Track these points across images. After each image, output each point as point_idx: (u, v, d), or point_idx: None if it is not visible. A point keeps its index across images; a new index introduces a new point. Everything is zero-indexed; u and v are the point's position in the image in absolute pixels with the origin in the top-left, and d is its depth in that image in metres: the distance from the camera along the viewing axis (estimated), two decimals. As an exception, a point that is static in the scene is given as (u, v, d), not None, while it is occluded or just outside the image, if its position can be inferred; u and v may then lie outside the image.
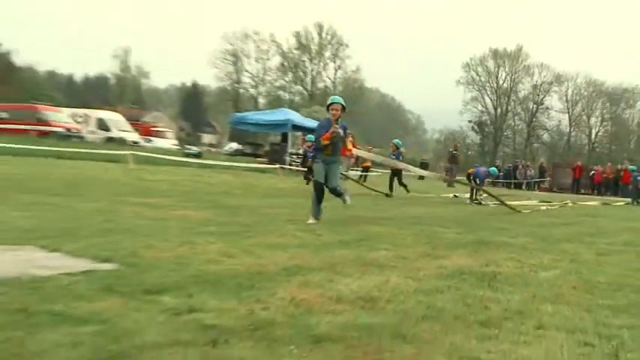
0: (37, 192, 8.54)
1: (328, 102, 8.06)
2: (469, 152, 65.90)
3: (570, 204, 17.63)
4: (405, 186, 15.98)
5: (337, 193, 7.94)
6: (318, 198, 7.75)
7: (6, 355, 2.13)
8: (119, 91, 74.34)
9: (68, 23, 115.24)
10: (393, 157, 15.97)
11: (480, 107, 70.30)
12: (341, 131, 7.78)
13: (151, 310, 2.87)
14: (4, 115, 29.81)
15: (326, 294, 3.58)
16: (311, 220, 7.54)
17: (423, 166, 31.97)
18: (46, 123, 29.91)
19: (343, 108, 7.92)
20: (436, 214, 10.81)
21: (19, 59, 59.32)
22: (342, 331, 2.81)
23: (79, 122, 33.98)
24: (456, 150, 29.92)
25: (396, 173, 15.94)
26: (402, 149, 16.96)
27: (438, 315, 3.27)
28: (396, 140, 17.01)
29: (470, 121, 69.19)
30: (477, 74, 70.38)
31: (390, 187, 15.55)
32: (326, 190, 7.85)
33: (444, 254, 5.59)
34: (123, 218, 6.60)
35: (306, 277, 4.02)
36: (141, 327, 2.59)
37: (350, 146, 8.52)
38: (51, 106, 34.76)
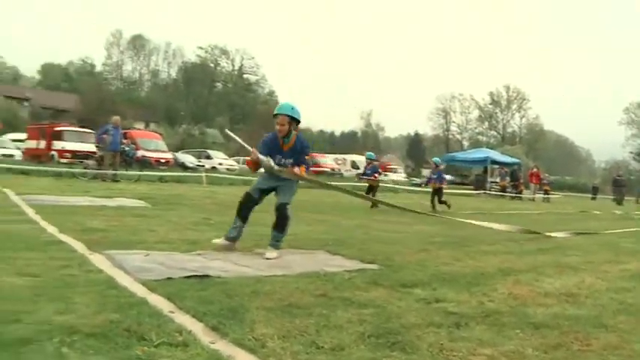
0: (317, 212, 11.03)
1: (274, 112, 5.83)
2: (631, 177, 70.71)
3: None
4: (445, 202, 15.11)
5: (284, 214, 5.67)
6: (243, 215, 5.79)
7: (319, 325, 3.17)
8: (363, 141, 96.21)
9: (330, 95, 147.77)
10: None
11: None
12: (266, 160, 5.61)
13: (408, 299, 3.89)
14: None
15: (535, 290, 4.44)
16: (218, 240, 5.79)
17: (594, 190, 40.35)
18: (319, 165, 40.71)
19: (293, 119, 5.68)
20: (610, 227, 12.08)
21: (303, 123, 75.92)
22: (554, 319, 3.54)
23: (339, 164, 45.16)
24: (619, 176, 36.05)
25: (437, 191, 15.37)
26: (441, 166, 16.40)
27: (630, 309, 3.88)
28: (435, 158, 16.94)
29: (631, 152, 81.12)
30: (636, 116, 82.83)
31: (433, 205, 15.16)
32: None
33: (626, 260, 6.65)
34: (376, 232, 8.31)
35: (517, 277, 4.98)
36: (403, 311, 3.55)
37: (301, 171, 5.78)
38: (322, 153, 47.73)
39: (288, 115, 5.64)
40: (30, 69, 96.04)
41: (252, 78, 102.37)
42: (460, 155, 40.39)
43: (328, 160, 44.30)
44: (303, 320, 3.18)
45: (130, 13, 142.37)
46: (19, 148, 32.80)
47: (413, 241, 7.43)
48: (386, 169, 52.04)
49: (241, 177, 25.52)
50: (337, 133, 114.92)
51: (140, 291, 3.65)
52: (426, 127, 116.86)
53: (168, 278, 4.08)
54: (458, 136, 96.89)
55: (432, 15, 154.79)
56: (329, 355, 2.68)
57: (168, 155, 33.56)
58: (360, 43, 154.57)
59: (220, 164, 38.89)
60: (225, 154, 49.54)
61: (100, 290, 3.59)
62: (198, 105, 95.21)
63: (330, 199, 16.60)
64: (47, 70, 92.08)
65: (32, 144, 31.73)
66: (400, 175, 53.58)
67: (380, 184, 16.54)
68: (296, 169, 5.76)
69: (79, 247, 5.29)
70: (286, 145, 5.73)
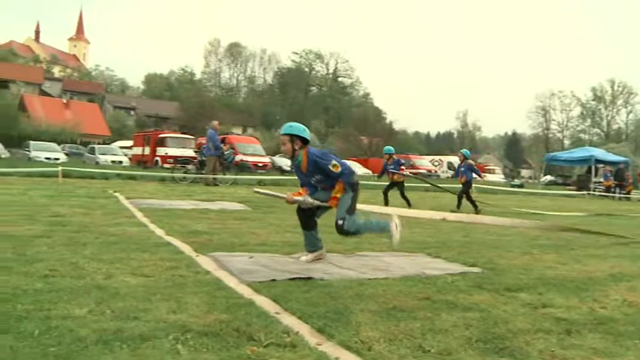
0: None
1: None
2: None
3: None
4: (473, 202, 13.50)
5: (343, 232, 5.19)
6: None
7: (425, 329, 3.13)
8: (460, 142, 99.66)
9: (425, 96, 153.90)
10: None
11: None
12: (302, 199, 5.26)
13: (514, 304, 3.78)
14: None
15: (653, 298, 4.10)
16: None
17: None
18: (415, 167, 40.93)
19: (297, 138, 5.24)
20: None
21: (398, 125, 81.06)
22: (677, 330, 3.32)
23: (435, 165, 45.42)
24: None
25: (465, 190, 13.76)
26: (469, 161, 14.43)
27: None
28: (464, 150, 15.08)
29: None
30: None
31: (459, 204, 13.64)
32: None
33: None
34: (477, 234, 8.12)
35: (631, 283, 4.68)
36: (509, 316, 3.46)
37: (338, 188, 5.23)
38: (417, 154, 48.93)
39: (288, 134, 5.27)
40: (135, 79, 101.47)
41: (347, 81, 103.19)
42: (563, 155, 38.90)
43: (424, 162, 43.93)
44: (408, 323, 3.18)
45: (226, 21, 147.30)
46: (126, 155, 34.66)
47: (515, 243, 7.21)
48: (484, 170, 51.59)
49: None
50: (433, 134, 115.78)
51: (246, 292, 3.78)
52: (525, 126, 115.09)
53: (273, 280, 4.19)
54: (558, 135, 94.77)
55: (529, 10, 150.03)
56: (437, 359, 2.66)
57: (266, 159, 34.38)
58: (456, 42, 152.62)
59: (316, 167, 39.34)
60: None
61: (209, 291, 3.75)
62: (294, 109, 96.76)
63: (432, 201, 16.42)
64: (150, 79, 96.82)
65: (138, 150, 33.44)
66: (498, 176, 52.46)
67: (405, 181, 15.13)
68: (336, 189, 5.24)
69: (185, 249, 5.53)
70: (302, 165, 5.31)
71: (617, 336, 3.20)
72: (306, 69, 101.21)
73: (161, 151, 30.27)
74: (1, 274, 4.01)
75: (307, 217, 5.34)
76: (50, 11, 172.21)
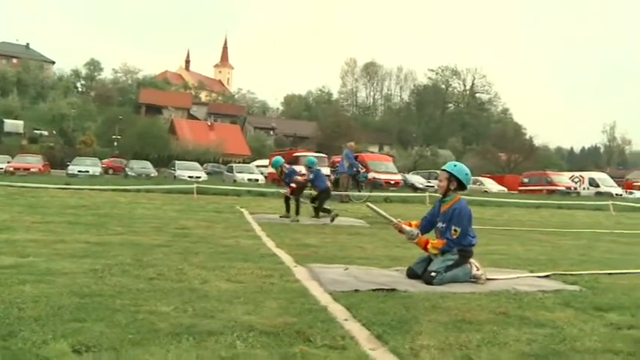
0: (537, 232, 10.82)
1: None
2: None
3: None
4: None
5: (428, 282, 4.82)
6: None
7: (483, 341, 3.08)
8: (607, 157, 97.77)
9: (567, 109, 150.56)
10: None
11: None
12: (409, 230, 5.25)
13: (595, 323, 3.60)
14: (525, 180, 41.80)
15: None
16: None
17: None
18: (553, 184, 39.22)
19: (455, 180, 5.22)
20: None
21: (538, 141, 78.61)
22: None
23: (575, 182, 42.17)
24: None
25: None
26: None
27: None
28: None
29: None
30: None
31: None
32: None
33: None
34: (598, 252, 7.71)
35: None
36: (583, 335, 3.31)
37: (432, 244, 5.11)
38: (556, 171, 46.92)
39: (448, 172, 5.21)
40: (275, 100, 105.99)
41: (485, 97, 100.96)
42: None
43: (563, 179, 41.58)
44: (469, 335, 3.17)
45: (362, 41, 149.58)
46: (262, 173, 36.22)
47: (638, 262, 6.70)
48: (631, 187, 48.52)
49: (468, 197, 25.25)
50: (577, 149, 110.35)
51: (325, 300, 3.95)
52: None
53: (356, 290, 4.32)
54: None
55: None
56: None
57: (398, 177, 34.41)
58: (599, 46, 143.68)
59: (451, 184, 38.67)
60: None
61: (290, 297, 3.97)
62: (430, 126, 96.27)
63: (556, 218, 15.73)
64: (289, 100, 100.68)
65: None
66: None
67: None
68: (434, 241, 5.12)
69: (288, 260, 5.82)
70: (444, 206, 5.23)
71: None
72: (443, 86, 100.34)
73: (296, 169, 31.29)
74: (116, 275, 4.52)
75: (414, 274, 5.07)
76: (198, 40, 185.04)
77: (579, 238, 9.75)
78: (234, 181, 32.43)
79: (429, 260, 5.09)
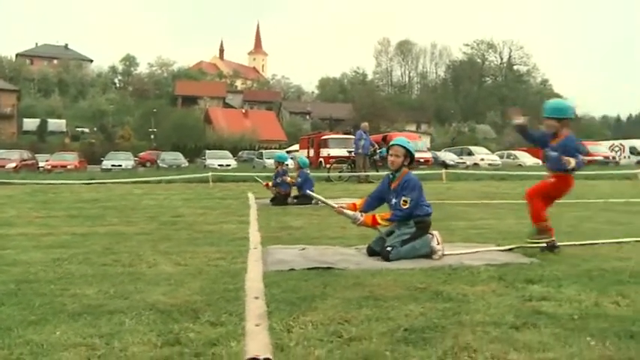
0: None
1: None
2: None
3: None
4: None
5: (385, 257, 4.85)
6: None
7: (373, 317, 3.06)
8: None
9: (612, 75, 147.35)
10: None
11: None
12: (352, 214, 5.19)
13: (509, 296, 3.47)
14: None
15: None
16: None
17: None
18: (589, 154, 36.58)
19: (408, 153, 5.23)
20: None
21: (581, 110, 76.97)
22: None
23: (615, 151, 41.08)
24: None
25: None
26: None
27: None
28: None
29: None
30: None
31: None
32: None
33: None
34: (590, 224, 7.55)
35: None
36: (482, 308, 3.20)
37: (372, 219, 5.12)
38: (595, 141, 44.83)
39: (405, 148, 5.22)
40: (310, 84, 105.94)
41: (523, 69, 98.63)
42: None
43: (601, 148, 40.24)
44: (363, 311, 3.16)
45: (395, 20, 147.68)
46: (292, 158, 36.48)
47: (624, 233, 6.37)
48: None
49: (491, 171, 24.84)
50: (623, 116, 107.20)
51: (252, 279, 4.04)
52: None
53: (291, 269, 4.40)
54: None
55: None
56: (344, 344, 2.67)
57: (428, 154, 34.21)
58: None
59: (482, 160, 38.16)
60: (495, 149, 48.62)
61: (218, 278, 4.03)
62: (468, 102, 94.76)
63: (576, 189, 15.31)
64: (324, 83, 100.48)
65: (304, 153, 35.07)
66: None
67: None
68: (382, 213, 5.14)
69: (256, 242, 5.90)
70: (394, 181, 5.24)
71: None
72: (479, 60, 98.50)
73: (324, 152, 31.42)
74: (73, 263, 4.73)
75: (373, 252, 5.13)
76: (231, 29, 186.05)
77: (587, 209, 9.33)
78: (264, 167, 32.73)
79: (387, 236, 5.10)
